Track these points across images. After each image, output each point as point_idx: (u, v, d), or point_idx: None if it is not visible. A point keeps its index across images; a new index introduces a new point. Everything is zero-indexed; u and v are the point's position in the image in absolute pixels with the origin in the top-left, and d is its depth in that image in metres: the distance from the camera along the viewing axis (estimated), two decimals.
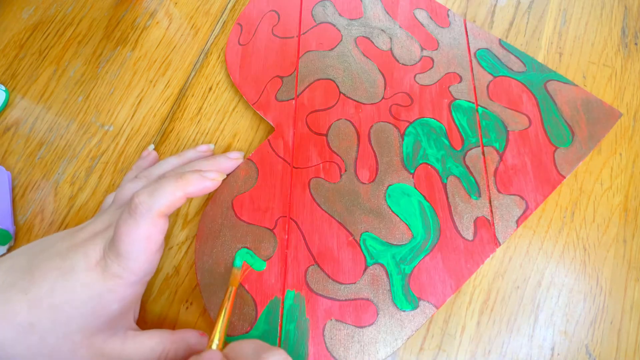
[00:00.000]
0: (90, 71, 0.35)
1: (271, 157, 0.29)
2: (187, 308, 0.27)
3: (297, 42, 0.33)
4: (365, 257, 0.26)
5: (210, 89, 0.34)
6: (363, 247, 0.27)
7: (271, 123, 0.31)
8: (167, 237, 0.29)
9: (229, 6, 0.37)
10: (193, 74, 0.35)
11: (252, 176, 0.29)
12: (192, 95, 0.34)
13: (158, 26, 0.37)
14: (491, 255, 0.26)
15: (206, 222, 0.28)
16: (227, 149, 0.32)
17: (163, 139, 0.33)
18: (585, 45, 0.33)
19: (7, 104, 0.35)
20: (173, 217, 0.30)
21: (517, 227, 0.27)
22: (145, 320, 0.27)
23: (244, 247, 0.27)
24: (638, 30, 0.33)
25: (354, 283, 0.26)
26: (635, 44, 0.33)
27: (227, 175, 0.29)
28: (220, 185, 0.28)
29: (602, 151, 0.30)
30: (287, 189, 0.28)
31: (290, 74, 0.32)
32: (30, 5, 0.39)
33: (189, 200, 0.30)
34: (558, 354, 0.26)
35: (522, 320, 0.26)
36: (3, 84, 0.35)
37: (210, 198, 0.29)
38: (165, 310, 0.28)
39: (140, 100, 0.34)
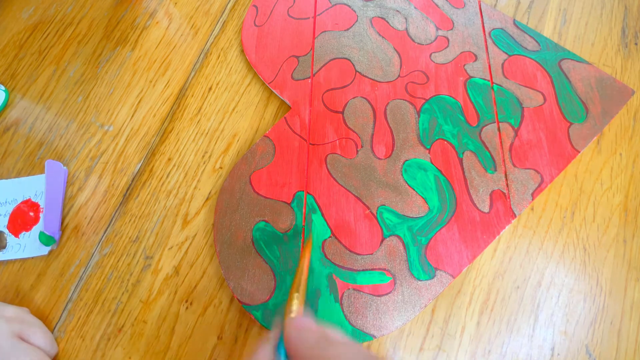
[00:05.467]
0: (90, 71, 0.35)
1: (288, 134, 0.30)
2: (186, 308, 0.27)
3: (313, 23, 0.33)
4: (382, 229, 0.27)
5: (210, 89, 0.34)
6: (380, 220, 0.27)
7: (287, 101, 0.31)
8: (167, 237, 0.29)
9: (229, 6, 0.37)
10: (193, 74, 0.35)
11: (269, 152, 0.29)
12: (192, 95, 0.34)
13: (158, 26, 0.37)
14: (491, 255, 0.26)
15: (224, 197, 0.29)
16: (227, 149, 0.32)
17: (163, 139, 0.33)
18: (585, 45, 0.33)
19: (6, 103, 0.35)
20: (173, 218, 0.30)
21: (533, 199, 0.27)
22: (145, 320, 0.27)
23: (263, 220, 0.28)
24: (638, 30, 0.33)
25: (371, 254, 0.26)
26: (635, 44, 0.33)
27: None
28: (238, 161, 0.29)
29: (602, 151, 0.30)
30: (304, 164, 0.29)
31: (306, 54, 0.32)
32: (29, 5, 0.39)
33: (189, 200, 0.30)
34: (558, 354, 0.26)
35: (522, 321, 0.26)
36: (3, 84, 0.35)
37: (228, 174, 0.30)
38: (164, 310, 0.28)
39: (140, 100, 0.34)
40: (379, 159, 0.29)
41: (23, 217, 0.31)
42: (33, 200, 0.31)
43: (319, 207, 0.28)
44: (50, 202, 0.30)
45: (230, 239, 0.27)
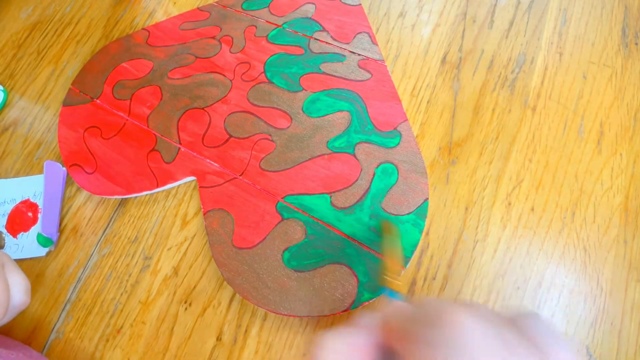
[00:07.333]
0: None
1: (221, 191, 0.29)
2: (185, 309, 0.27)
3: (131, 122, 0.32)
4: (357, 161, 0.29)
5: None
6: (340, 150, 0.30)
7: (191, 178, 0.30)
8: (166, 237, 0.29)
9: None
10: None
11: (225, 218, 0.29)
12: None
13: None
14: (492, 256, 0.26)
15: (236, 279, 0.27)
16: None
17: None
18: (586, 45, 0.33)
19: (5, 103, 0.35)
20: (172, 218, 0.30)
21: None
22: (144, 321, 0.27)
23: (284, 250, 0.27)
24: (638, 30, 0.33)
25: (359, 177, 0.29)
26: (636, 43, 0.33)
27: None
28: (212, 248, 0.28)
29: (603, 151, 0.30)
30: (256, 193, 0.29)
31: (157, 139, 0.31)
32: (28, 5, 0.39)
33: (188, 200, 0.30)
34: None
35: None
36: (1, 84, 0.35)
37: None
38: (164, 310, 0.27)
39: None
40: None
41: (21, 217, 0.30)
42: (32, 200, 0.31)
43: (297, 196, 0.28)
44: (48, 203, 0.30)
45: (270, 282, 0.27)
